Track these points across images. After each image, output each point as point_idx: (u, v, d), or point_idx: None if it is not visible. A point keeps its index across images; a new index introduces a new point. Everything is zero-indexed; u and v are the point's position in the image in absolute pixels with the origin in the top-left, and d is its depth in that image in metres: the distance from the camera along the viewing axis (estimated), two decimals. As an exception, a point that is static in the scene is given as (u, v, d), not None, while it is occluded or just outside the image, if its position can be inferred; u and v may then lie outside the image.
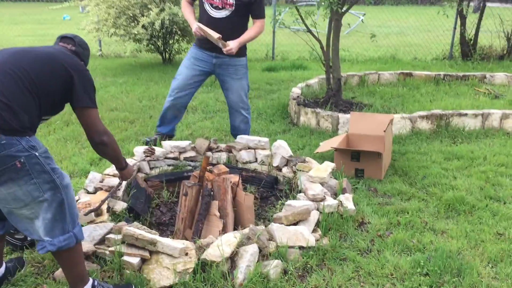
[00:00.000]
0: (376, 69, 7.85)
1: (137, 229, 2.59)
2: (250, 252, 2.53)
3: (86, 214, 2.80)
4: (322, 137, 4.77)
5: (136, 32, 7.49)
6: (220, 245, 2.52)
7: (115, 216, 3.08)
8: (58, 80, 2.13)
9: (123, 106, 5.83)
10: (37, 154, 2.01)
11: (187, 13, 4.16)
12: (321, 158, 4.16)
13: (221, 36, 3.85)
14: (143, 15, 7.61)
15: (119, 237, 2.59)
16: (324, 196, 3.10)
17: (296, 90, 5.97)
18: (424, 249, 2.83)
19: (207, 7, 3.99)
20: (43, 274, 2.54)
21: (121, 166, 2.58)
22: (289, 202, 3.02)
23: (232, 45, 3.90)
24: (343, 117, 4.92)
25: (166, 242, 2.51)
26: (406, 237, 2.93)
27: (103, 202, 2.89)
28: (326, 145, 4.08)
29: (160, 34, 8.28)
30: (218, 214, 2.94)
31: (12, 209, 2.05)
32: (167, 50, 8.87)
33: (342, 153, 3.92)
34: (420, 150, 4.47)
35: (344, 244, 2.87)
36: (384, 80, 7.26)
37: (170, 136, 4.51)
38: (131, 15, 7.78)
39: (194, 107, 5.85)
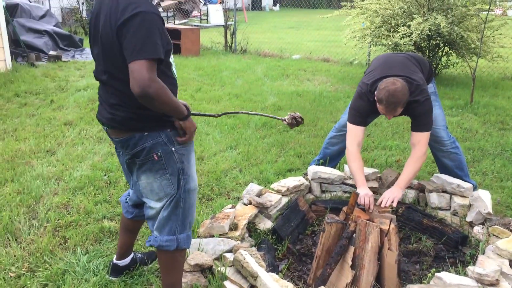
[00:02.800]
0: None
1: (248, 255, 2.41)
2: (349, 323, 2.04)
3: None
4: None
5: (391, 43, 7.07)
6: (317, 302, 2.12)
7: (256, 234, 2.95)
8: None
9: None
10: (173, 149, 2.03)
11: (356, 168, 3.07)
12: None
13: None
14: (404, 25, 7.13)
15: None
16: (497, 280, 2.25)
17: None
18: None
19: None
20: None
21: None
22: (441, 274, 2.32)
23: (390, 197, 2.93)
24: None
25: (265, 280, 2.25)
26: None
27: None
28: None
29: (424, 45, 7.63)
30: (350, 263, 2.49)
31: (148, 201, 2.14)
32: (433, 63, 8.10)
33: None
34: None
35: None
36: None
37: None
38: (393, 24, 7.40)
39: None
